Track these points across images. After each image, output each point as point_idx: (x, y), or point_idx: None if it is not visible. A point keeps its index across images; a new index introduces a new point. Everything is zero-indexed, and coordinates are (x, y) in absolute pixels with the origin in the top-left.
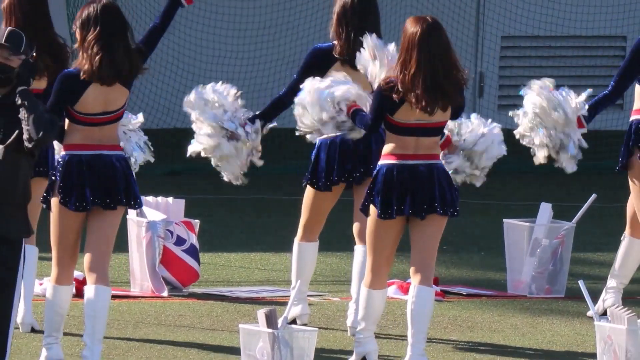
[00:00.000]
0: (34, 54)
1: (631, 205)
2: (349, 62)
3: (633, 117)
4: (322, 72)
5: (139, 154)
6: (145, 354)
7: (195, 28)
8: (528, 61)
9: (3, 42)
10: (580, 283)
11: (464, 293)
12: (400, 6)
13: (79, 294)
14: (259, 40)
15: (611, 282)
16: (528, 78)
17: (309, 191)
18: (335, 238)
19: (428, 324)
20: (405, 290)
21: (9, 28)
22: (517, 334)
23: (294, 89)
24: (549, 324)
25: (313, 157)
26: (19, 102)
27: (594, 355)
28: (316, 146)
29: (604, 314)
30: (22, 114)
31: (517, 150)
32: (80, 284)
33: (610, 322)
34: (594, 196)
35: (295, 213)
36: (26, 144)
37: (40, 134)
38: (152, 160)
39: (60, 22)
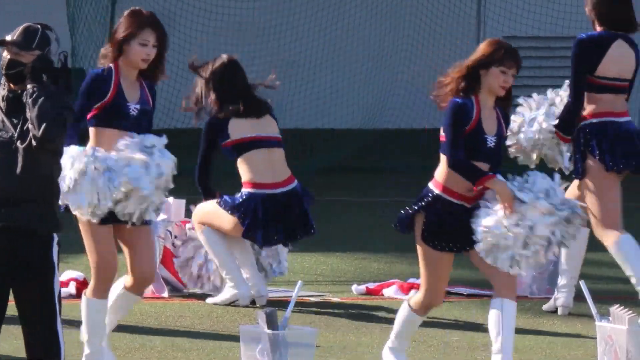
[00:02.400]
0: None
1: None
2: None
3: (582, 123)
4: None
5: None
6: (146, 355)
7: (195, 28)
8: (528, 61)
9: (14, 38)
10: (581, 283)
11: (465, 293)
12: (400, 6)
13: (79, 294)
14: (259, 41)
15: (562, 280)
16: (528, 78)
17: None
18: (335, 238)
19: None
20: (405, 290)
21: (25, 24)
22: (518, 334)
23: (207, 158)
24: (549, 324)
25: (245, 208)
26: (24, 99)
27: (594, 355)
28: (248, 198)
29: (555, 311)
30: (27, 112)
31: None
32: (81, 285)
33: (611, 322)
34: None
35: None
36: (33, 142)
37: (40, 131)
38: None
39: (60, 22)
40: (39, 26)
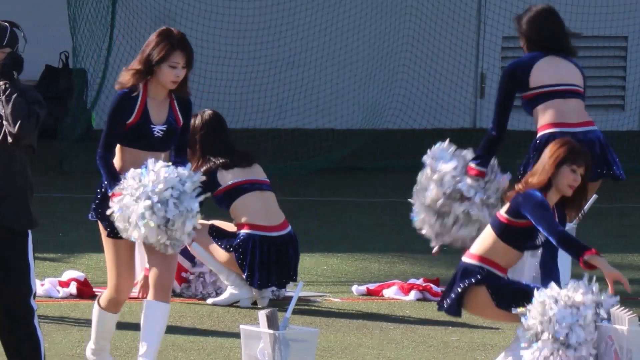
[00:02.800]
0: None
1: None
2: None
3: (540, 134)
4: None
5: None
6: None
7: (195, 28)
8: None
9: None
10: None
11: None
12: (400, 6)
13: (79, 294)
14: (259, 41)
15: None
16: None
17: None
18: (336, 239)
19: None
20: (405, 290)
21: None
22: None
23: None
24: None
25: (243, 249)
26: None
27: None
28: (246, 239)
29: None
30: (1, 109)
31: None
32: (82, 285)
33: (611, 322)
34: (595, 197)
35: (295, 212)
36: (9, 139)
37: (16, 127)
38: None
39: (61, 22)
40: (7, 24)
